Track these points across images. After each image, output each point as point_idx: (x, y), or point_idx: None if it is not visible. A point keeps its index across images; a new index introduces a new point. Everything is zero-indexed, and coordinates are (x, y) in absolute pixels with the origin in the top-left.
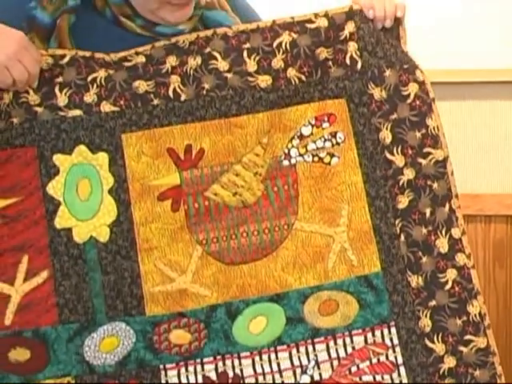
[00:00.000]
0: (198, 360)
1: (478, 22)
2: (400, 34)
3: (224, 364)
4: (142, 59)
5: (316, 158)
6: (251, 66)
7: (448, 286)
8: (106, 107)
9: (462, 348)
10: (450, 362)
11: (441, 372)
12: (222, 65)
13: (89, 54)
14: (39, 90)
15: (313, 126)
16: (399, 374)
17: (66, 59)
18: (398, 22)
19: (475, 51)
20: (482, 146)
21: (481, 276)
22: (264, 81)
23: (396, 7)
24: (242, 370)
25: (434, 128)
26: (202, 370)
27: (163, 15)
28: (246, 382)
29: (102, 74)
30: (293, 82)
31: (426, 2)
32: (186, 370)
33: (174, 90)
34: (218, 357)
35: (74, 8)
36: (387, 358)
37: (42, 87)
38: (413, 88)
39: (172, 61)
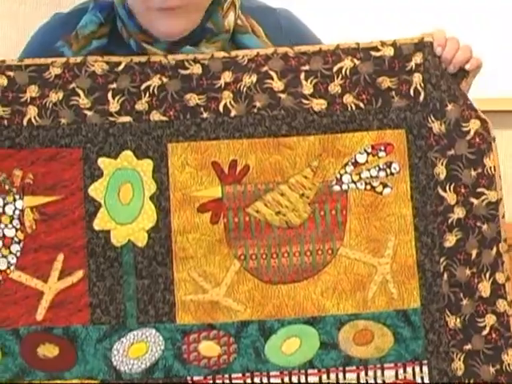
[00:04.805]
0: (227, 375)
1: None
2: (461, 85)
3: (252, 381)
4: (198, 70)
5: (368, 187)
6: (307, 88)
7: (485, 332)
8: (156, 116)
9: None
10: None
11: None
12: (278, 85)
13: (144, 60)
14: (91, 93)
15: (368, 154)
16: None
17: (121, 66)
18: (464, 72)
19: None
20: None
21: None
22: (318, 104)
23: (468, 58)
24: None
25: (490, 168)
26: None
27: (156, 24)
28: None
29: (155, 81)
30: (349, 109)
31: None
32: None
33: (225, 105)
34: (247, 373)
35: (99, 49)
36: None
37: (94, 91)
38: (474, 125)
39: (227, 77)
